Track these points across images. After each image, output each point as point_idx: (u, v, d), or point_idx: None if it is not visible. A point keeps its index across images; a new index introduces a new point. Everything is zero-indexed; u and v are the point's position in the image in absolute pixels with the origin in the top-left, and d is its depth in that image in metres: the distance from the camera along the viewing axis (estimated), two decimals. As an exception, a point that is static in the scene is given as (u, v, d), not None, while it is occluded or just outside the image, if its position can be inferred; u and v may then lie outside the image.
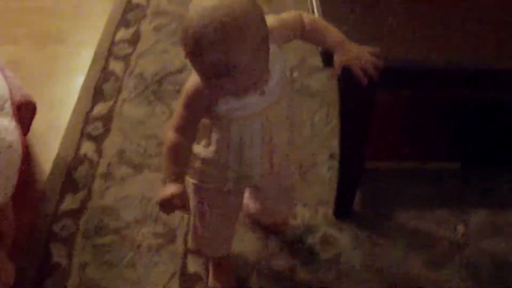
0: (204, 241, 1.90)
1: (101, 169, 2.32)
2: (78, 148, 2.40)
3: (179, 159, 1.54)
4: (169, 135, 1.54)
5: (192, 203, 1.71)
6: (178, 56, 2.73)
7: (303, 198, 2.19)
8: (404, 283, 1.97)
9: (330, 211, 2.15)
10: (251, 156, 1.62)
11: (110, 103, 2.57)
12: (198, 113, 1.54)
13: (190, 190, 1.70)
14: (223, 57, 1.33)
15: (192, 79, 1.50)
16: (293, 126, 1.69)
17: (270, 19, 1.49)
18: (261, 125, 1.57)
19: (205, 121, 1.58)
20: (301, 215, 2.15)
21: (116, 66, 2.73)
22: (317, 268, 2.02)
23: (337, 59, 1.63)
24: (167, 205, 1.50)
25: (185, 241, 2.10)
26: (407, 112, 2.41)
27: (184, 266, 2.04)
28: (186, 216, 2.11)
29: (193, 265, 2.04)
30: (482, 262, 2.05)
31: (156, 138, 2.41)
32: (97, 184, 2.27)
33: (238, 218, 1.89)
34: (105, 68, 2.72)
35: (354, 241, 2.08)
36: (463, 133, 2.33)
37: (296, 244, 2.08)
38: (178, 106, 1.54)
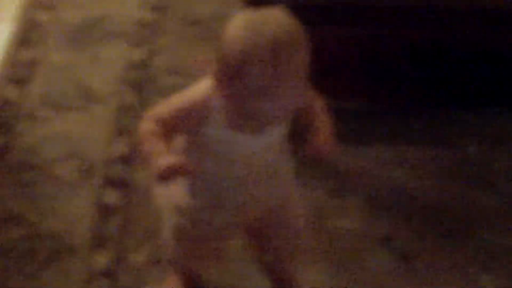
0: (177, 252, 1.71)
1: (25, 110, 2.40)
2: (1, 90, 2.47)
3: (162, 139, 1.41)
4: (147, 124, 1.43)
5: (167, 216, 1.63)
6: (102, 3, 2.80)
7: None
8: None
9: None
10: (227, 199, 1.53)
11: (36, 49, 2.64)
12: (186, 122, 1.44)
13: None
14: (272, 73, 1.27)
15: (203, 88, 1.42)
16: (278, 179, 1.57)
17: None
18: (243, 175, 1.50)
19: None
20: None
21: (42, 14, 2.79)
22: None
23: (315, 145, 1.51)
24: (170, 173, 1.36)
25: (104, 176, 2.19)
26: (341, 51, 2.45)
27: (101, 198, 2.15)
28: (104, 151, 2.23)
29: (110, 197, 2.15)
30: (382, 191, 2.19)
31: (81, 82, 2.49)
32: (21, 125, 2.36)
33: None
34: (30, 16, 2.78)
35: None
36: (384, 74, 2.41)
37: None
38: (170, 103, 1.45)
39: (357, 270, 2.00)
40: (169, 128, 1.42)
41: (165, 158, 1.36)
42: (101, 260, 1.99)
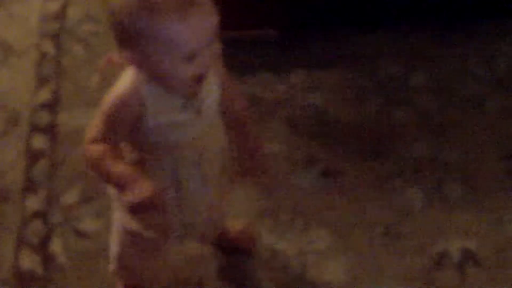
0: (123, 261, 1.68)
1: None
2: None
3: (117, 160, 1.33)
4: (92, 147, 1.34)
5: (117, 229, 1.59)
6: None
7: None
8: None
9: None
10: (192, 199, 1.48)
11: None
12: (124, 123, 1.35)
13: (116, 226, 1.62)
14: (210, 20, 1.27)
15: (118, 89, 1.36)
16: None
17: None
18: (198, 159, 1.43)
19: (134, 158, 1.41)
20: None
21: None
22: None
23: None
24: (145, 207, 1.27)
25: (30, 123, 2.22)
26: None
27: (29, 144, 2.18)
28: (28, 100, 2.25)
29: (38, 143, 2.18)
30: (303, 116, 2.25)
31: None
32: None
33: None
34: None
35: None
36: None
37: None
38: (100, 113, 1.36)
39: (284, 191, 2.06)
40: (112, 139, 1.35)
41: (140, 187, 1.26)
42: (34, 203, 2.02)
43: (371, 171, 2.11)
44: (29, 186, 2.06)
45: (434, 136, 2.19)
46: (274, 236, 1.96)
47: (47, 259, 1.91)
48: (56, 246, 1.94)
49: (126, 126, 1.35)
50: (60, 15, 2.53)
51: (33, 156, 2.13)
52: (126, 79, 1.36)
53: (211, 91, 1.40)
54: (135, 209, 1.27)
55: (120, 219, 1.57)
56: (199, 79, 1.32)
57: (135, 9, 1.25)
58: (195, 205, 1.50)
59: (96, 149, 1.33)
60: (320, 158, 2.13)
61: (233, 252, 1.90)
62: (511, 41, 2.46)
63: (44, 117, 2.22)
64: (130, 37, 1.27)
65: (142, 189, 1.26)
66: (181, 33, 1.25)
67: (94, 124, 1.36)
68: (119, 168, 1.30)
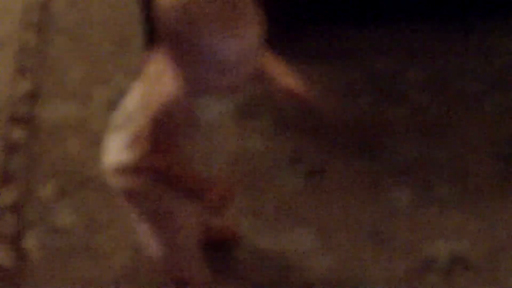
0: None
1: None
2: None
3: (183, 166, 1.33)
4: (152, 161, 1.32)
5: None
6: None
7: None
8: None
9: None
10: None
11: None
12: (173, 130, 1.31)
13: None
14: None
15: (164, 89, 1.29)
16: None
17: None
18: None
19: None
20: None
21: None
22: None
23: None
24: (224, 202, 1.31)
25: (9, 114, 2.16)
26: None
27: (7, 135, 2.14)
28: (8, 90, 2.20)
29: (16, 134, 2.13)
30: (291, 112, 2.19)
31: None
32: None
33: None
34: None
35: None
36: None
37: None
38: (143, 135, 1.30)
39: (268, 189, 2.00)
40: (166, 147, 1.30)
41: (214, 187, 1.29)
42: (9, 195, 1.97)
43: (359, 170, 2.04)
44: (5, 178, 2.00)
45: (427, 134, 2.12)
46: (258, 235, 1.90)
47: (21, 254, 1.86)
48: (30, 241, 1.89)
49: (177, 132, 1.31)
50: (44, 5, 2.46)
51: (10, 148, 2.07)
52: (167, 80, 1.29)
53: None
54: (219, 211, 1.29)
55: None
56: (236, 89, 1.28)
57: (179, 13, 1.19)
58: None
59: (160, 160, 1.30)
60: (306, 156, 2.06)
61: (217, 247, 1.84)
62: (510, 38, 2.37)
63: (23, 109, 2.17)
64: (174, 37, 1.21)
65: (221, 192, 1.28)
66: (219, 44, 1.19)
67: (142, 138, 1.30)
68: (191, 174, 1.30)
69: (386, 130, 2.13)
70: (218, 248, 1.85)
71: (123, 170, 1.38)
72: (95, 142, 2.03)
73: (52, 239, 1.88)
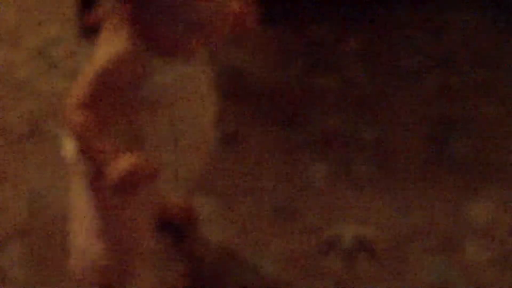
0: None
1: None
2: None
3: (101, 130, 1.16)
4: (74, 116, 1.16)
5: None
6: None
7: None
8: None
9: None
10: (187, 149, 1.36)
11: None
12: (115, 93, 1.18)
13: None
14: None
15: (113, 48, 1.17)
16: None
17: None
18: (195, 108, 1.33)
19: None
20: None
21: None
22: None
23: None
24: (131, 179, 1.11)
25: None
26: None
27: None
28: None
29: None
30: (217, 77, 2.05)
31: None
32: None
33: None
34: None
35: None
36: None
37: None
38: (83, 83, 1.17)
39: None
40: (102, 106, 1.18)
41: (120, 159, 1.11)
42: None
43: (278, 140, 1.93)
44: None
45: (356, 110, 1.99)
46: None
47: None
48: None
49: (121, 89, 1.18)
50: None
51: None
52: (118, 38, 1.17)
53: None
54: (120, 187, 1.11)
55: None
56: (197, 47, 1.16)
57: None
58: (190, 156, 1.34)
59: (77, 120, 1.15)
60: (224, 122, 1.93)
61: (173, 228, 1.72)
62: (462, 14, 2.22)
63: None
64: None
65: (126, 163, 1.10)
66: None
67: (81, 85, 1.17)
68: (103, 142, 1.14)
69: (312, 102, 2.02)
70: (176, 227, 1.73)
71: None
72: (19, 88, 1.98)
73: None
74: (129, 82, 1.17)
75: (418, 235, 1.77)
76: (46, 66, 2.08)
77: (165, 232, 1.74)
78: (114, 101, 1.19)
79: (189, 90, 1.26)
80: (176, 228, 1.75)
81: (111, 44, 1.16)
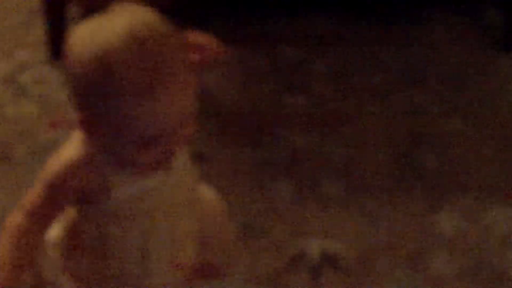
0: None
1: None
2: None
3: (25, 247, 1.10)
4: (16, 218, 1.11)
5: None
6: None
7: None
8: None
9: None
10: (159, 264, 1.24)
11: None
12: (64, 198, 1.12)
13: None
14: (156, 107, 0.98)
15: (67, 155, 1.10)
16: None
17: None
18: (171, 222, 1.21)
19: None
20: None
21: None
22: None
23: None
24: None
25: None
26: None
27: None
28: None
29: None
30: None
31: None
32: None
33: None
34: None
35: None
36: None
37: None
38: (36, 186, 1.12)
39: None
40: (50, 213, 1.12)
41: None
42: None
43: (245, 159, 1.93)
44: None
45: (323, 128, 2.00)
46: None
47: None
48: None
49: (70, 199, 1.12)
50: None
51: None
52: (77, 142, 1.10)
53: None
54: None
55: None
56: (158, 165, 1.09)
57: (90, 69, 0.99)
58: (162, 268, 1.25)
59: (19, 222, 1.10)
60: (194, 137, 1.93)
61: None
62: (427, 30, 2.24)
63: None
64: (83, 99, 1.03)
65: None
66: (137, 117, 0.99)
67: (32, 192, 1.12)
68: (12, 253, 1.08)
69: (281, 120, 2.03)
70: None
71: None
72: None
73: None
74: (84, 191, 1.12)
75: (385, 249, 1.76)
76: (14, 92, 2.09)
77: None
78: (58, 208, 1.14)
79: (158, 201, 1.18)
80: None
81: (68, 149, 1.11)
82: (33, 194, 1.11)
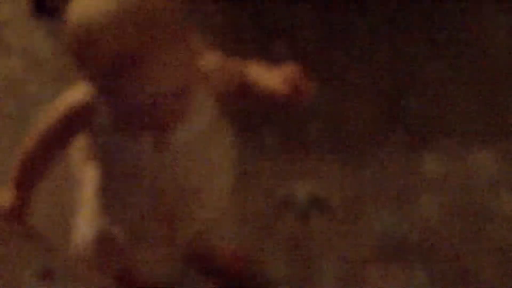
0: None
1: None
2: None
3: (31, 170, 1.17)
4: (26, 143, 1.16)
5: None
6: None
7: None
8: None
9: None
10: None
11: None
12: (75, 129, 1.15)
13: None
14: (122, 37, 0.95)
15: (66, 99, 1.13)
16: None
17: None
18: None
19: None
20: None
21: None
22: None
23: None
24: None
25: None
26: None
27: None
28: None
29: None
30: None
31: None
32: None
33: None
34: None
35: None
36: None
37: None
38: (48, 114, 1.15)
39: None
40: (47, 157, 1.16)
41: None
42: None
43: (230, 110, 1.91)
44: None
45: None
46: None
47: None
48: None
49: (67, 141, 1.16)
50: None
51: None
52: (78, 89, 1.12)
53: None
54: None
55: None
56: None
57: (80, 34, 0.98)
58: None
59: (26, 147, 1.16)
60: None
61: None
62: (411, 47, 2.15)
63: None
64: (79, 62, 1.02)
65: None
66: (126, 83, 0.99)
67: (44, 119, 1.15)
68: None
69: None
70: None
71: None
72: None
73: None
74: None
75: (371, 191, 1.78)
76: (-2, 47, 2.09)
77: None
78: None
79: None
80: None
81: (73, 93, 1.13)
82: (45, 122, 1.13)
